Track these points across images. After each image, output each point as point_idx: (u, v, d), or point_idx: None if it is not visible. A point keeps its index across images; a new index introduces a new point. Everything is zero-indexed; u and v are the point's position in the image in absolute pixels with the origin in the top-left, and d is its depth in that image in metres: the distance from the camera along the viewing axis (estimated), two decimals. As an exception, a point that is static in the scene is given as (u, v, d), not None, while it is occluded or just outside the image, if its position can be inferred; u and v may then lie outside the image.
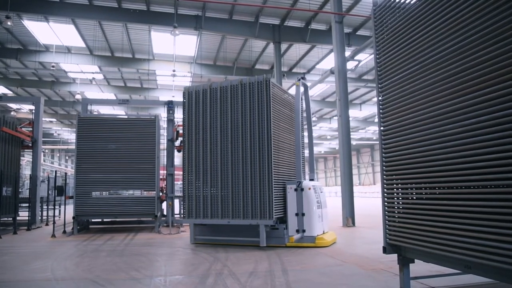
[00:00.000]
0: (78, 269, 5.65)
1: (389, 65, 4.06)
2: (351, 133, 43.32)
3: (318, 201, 7.55)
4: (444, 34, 3.27)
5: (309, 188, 7.42)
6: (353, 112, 32.74)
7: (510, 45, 2.64)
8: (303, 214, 7.32)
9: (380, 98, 4.23)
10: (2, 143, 10.80)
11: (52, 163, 51.89)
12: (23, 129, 12.52)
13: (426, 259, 3.66)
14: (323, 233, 7.65)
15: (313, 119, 33.65)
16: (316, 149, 57.10)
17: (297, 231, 7.26)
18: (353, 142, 48.33)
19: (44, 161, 45.21)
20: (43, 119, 36.21)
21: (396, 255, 4.02)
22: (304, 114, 8.83)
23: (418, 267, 4.26)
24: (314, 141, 43.08)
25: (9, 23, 13.98)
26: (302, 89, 8.43)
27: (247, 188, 7.45)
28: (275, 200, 7.29)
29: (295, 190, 7.45)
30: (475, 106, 2.95)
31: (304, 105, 8.63)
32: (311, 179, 8.35)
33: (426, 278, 4.33)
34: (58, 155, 57.93)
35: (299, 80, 7.94)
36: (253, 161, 7.45)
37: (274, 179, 7.34)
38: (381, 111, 4.20)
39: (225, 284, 4.56)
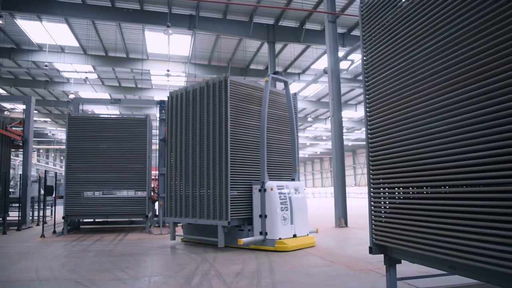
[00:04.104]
0: (64, 269, 5.56)
1: (376, 62, 4.01)
2: (347, 134, 43.37)
3: (284, 203, 7.16)
4: (430, 30, 3.23)
5: (271, 189, 7.11)
6: (349, 113, 32.76)
7: (496, 39, 2.59)
8: (265, 216, 7.08)
9: (367, 96, 4.18)
10: (-9, 143, 10.70)
11: (47, 163, 51.60)
12: (15, 128, 12.41)
13: (412, 259, 3.61)
14: (293, 237, 7.20)
15: (308, 119, 33.64)
16: (312, 150, 57.14)
17: (261, 233, 7.06)
18: (349, 143, 48.38)
19: (38, 161, 44.93)
20: (37, 119, 36.06)
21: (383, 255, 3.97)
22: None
23: (406, 267, 4.21)
24: (310, 142, 42.87)
25: (0, 22, 13.84)
26: (287, 87, 8.36)
27: (209, 188, 7.47)
28: (241, 200, 7.29)
29: (259, 190, 7.24)
30: (461, 102, 2.89)
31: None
32: (293, 179, 8.08)
33: (413, 279, 4.28)
34: (53, 155, 57.64)
35: (268, 76, 7.85)
36: (214, 160, 7.46)
37: (240, 179, 7.34)
38: (368, 109, 4.16)
39: (210, 284, 4.50)
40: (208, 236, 7.63)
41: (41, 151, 50.03)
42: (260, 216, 7.12)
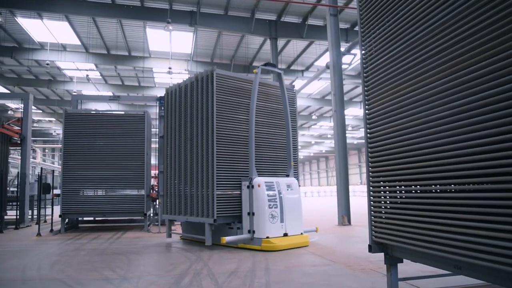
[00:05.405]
0: (52, 268, 5.35)
1: (374, 46, 3.74)
2: (352, 132, 42.77)
3: (273, 200, 6.81)
4: (430, 8, 2.96)
5: (259, 185, 6.79)
6: (354, 111, 32.36)
7: (501, 12, 2.32)
8: (253, 214, 6.79)
9: (365, 83, 3.91)
10: (-12, 140, 10.54)
11: (53, 162, 51.71)
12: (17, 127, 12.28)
13: (414, 258, 3.34)
14: (284, 236, 6.83)
15: (313, 117, 33.29)
16: (317, 148, 56.75)
17: (249, 231, 6.78)
18: (354, 141, 47.92)
19: (44, 160, 44.98)
20: (42, 118, 35.99)
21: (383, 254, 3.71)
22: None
23: (409, 267, 3.95)
24: (315, 140, 42.28)
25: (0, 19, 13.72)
26: (281, 78, 8.05)
27: (198, 185, 7.28)
28: (229, 197, 7.09)
29: (247, 187, 6.94)
30: (468, 83, 2.57)
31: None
32: (287, 175, 7.67)
33: (416, 279, 4.00)
34: (58, 154, 57.72)
35: (258, 67, 7.56)
36: (202, 157, 7.26)
37: (228, 176, 7.13)
38: (366, 97, 3.88)
39: (200, 284, 4.25)
40: (204, 234, 7.40)
41: (46, 150, 50.10)
42: (248, 213, 6.85)
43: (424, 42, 3.02)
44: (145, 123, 10.61)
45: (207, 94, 7.28)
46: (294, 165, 7.87)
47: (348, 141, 45.06)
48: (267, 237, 6.59)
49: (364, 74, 3.91)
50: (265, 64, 7.75)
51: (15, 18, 17.11)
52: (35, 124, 37.00)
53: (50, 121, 38.26)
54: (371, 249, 3.77)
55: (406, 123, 3.26)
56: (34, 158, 32.34)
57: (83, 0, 15.65)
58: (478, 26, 2.49)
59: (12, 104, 31.36)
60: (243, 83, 7.72)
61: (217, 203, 6.82)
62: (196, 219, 7.22)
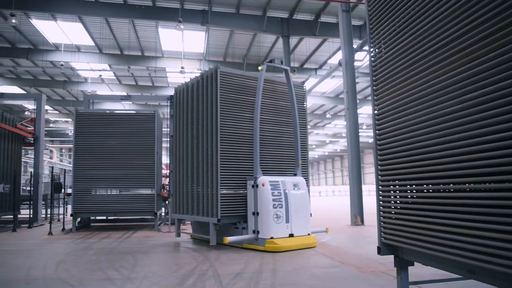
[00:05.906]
0: (57, 268, 5.32)
1: (383, 39, 3.57)
2: (367, 131, 42.12)
3: (278, 200, 6.62)
4: (441, -4, 2.77)
5: (263, 185, 6.62)
6: (369, 109, 31.84)
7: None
8: (257, 214, 6.62)
9: (374, 78, 3.73)
10: (1, 140, 10.64)
11: (70, 162, 52.49)
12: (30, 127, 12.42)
13: (425, 261, 3.16)
14: (290, 236, 6.63)
15: (327, 116, 32.94)
16: (331, 147, 56.27)
17: (254, 231, 6.63)
18: (369, 140, 47.30)
19: (61, 160, 45.71)
20: (59, 119, 36.46)
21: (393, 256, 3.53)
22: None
23: (421, 270, 3.75)
24: (330, 139, 41.70)
25: (13, 21, 13.91)
26: (288, 75, 7.87)
27: (203, 184, 7.20)
28: (234, 197, 6.99)
29: (252, 186, 6.78)
30: (480, 75, 2.40)
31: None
32: (295, 174, 7.46)
33: (427, 283, 3.81)
34: (75, 154, 58.51)
35: (263, 64, 7.42)
36: (207, 156, 7.18)
37: (233, 175, 7.02)
38: (375, 93, 3.71)
39: (204, 286, 4.14)
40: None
41: (63, 150, 50.91)
42: (253, 213, 6.70)
43: (433, 33, 2.84)
44: (155, 122, 10.58)
45: (212, 92, 7.19)
46: (302, 164, 7.68)
47: (363, 139, 44.27)
48: (272, 238, 6.44)
49: (373, 69, 3.74)
50: (271, 61, 7.58)
51: (30, 20, 17.34)
52: (51, 125, 37.64)
53: (67, 121, 38.84)
54: (380, 251, 3.61)
55: (416, 118, 3.08)
56: (50, 158, 32.84)
57: (95, 1, 15.76)
58: (490, 13, 2.30)
59: (29, 105, 31.92)
60: (249, 81, 7.57)
61: (221, 202, 6.72)
62: (202, 219, 7.16)
